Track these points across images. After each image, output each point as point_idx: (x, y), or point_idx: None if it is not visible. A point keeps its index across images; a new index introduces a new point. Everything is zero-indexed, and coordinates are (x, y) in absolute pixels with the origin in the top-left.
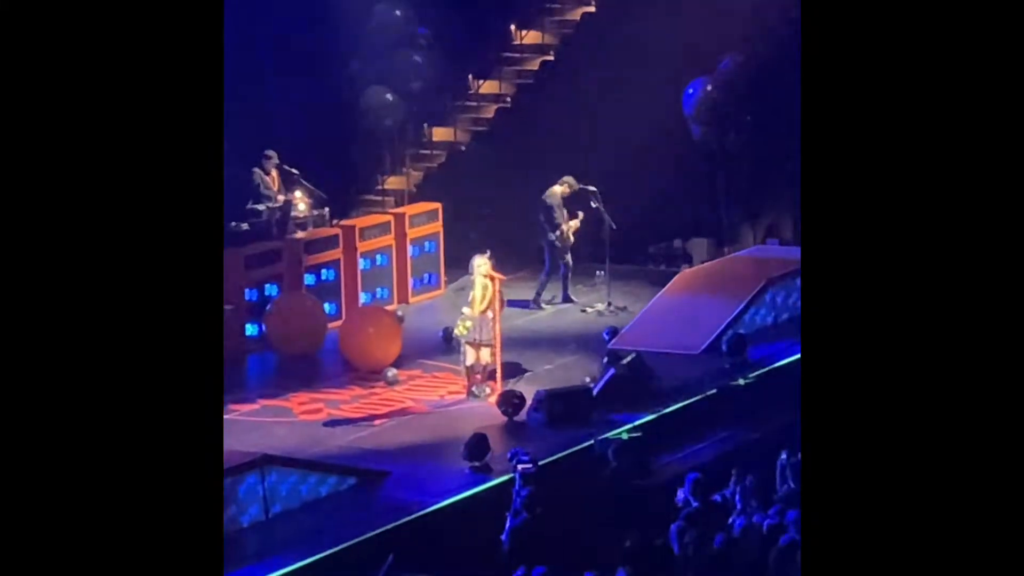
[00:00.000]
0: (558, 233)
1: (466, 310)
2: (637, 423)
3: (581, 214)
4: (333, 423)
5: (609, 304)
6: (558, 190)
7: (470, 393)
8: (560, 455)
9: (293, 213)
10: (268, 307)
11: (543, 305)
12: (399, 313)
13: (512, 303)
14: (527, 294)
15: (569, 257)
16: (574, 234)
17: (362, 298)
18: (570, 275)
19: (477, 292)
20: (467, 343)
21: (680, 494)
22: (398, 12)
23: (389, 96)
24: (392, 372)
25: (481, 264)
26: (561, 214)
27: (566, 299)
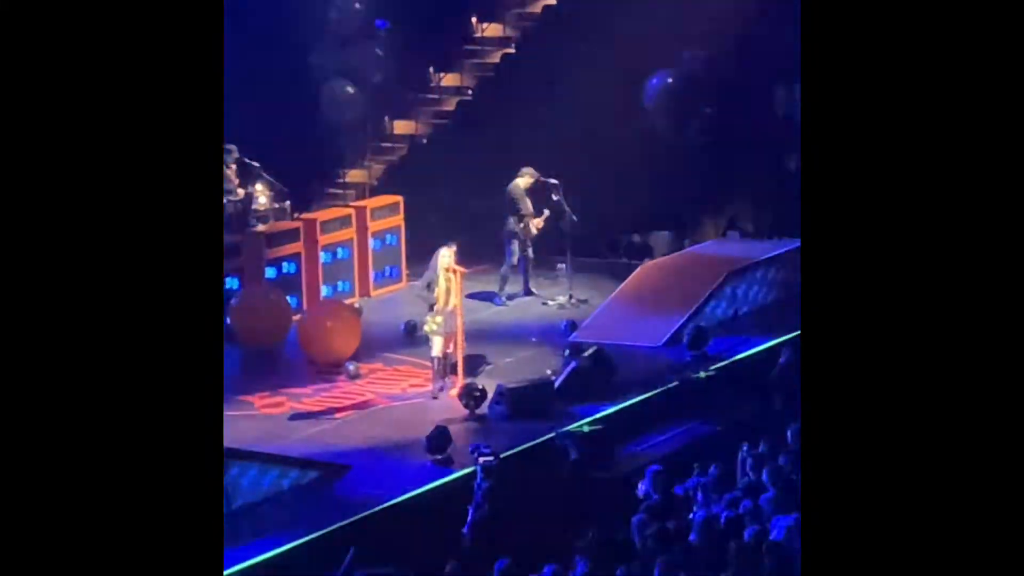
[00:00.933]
0: (522, 225)
1: (433, 304)
2: (598, 416)
3: (547, 212)
4: (295, 416)
5: (571, 297)
6: (521, 182)
7: (439, 387)
8: (521, 448)
9: (254, 206)
10: (233, 300)
11: (505, 300)
12: (358, 306)
13: (475, 296)
14: (489, 287)
15: (531, 251)
16: (537, 229)
17: (323, 291)
18: (531, 268)
19: (442, 285)
20: (435, 335)
21: (641, 487)
22: (357, 4)
23: (350, 89)
24: (353, 365)
25: (445, 256)
26: (525, 206)
27: (527, 292)
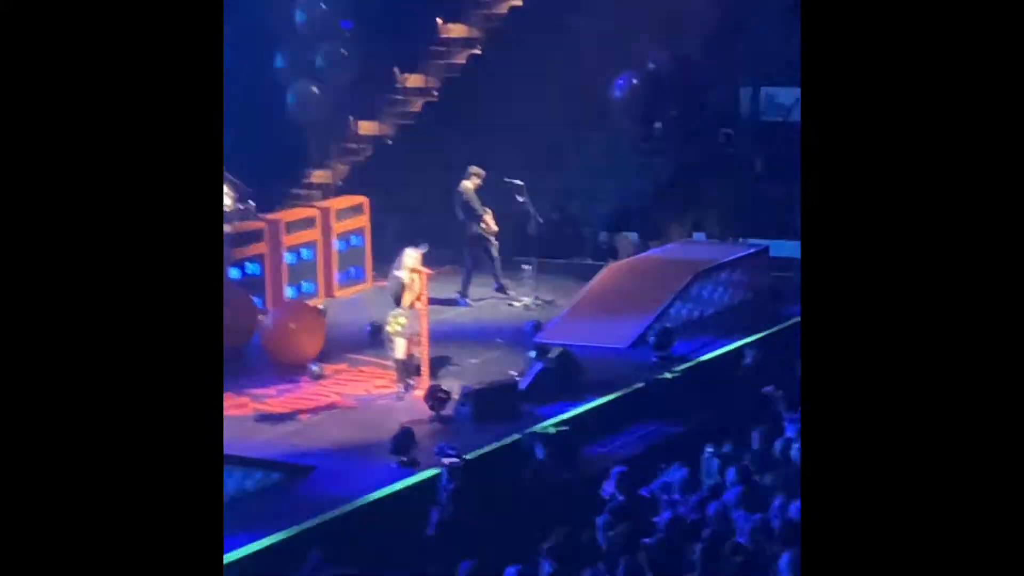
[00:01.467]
0: (483, 224)
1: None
2: (564, 417)
3: (489, 211)
4: (259, 418)
5: (536, 298)
6: (469, 184)
7: (403, 387)
8: (487, 449)
9: None
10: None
11: (469, 302)
12: (322, 307)
13: (437, 301)
14: (454, 289)
15: (495, 249)
16: (494, 228)
17: (287, 292)
18: (499, 265)
19: (407, 286)
20: (398, 336)
21: (606, 488)
22: (323, 5)
23: (315, 89)
24: (317, 366)
25: (410, 257)
26: (479, 206)
27: (499, 288)
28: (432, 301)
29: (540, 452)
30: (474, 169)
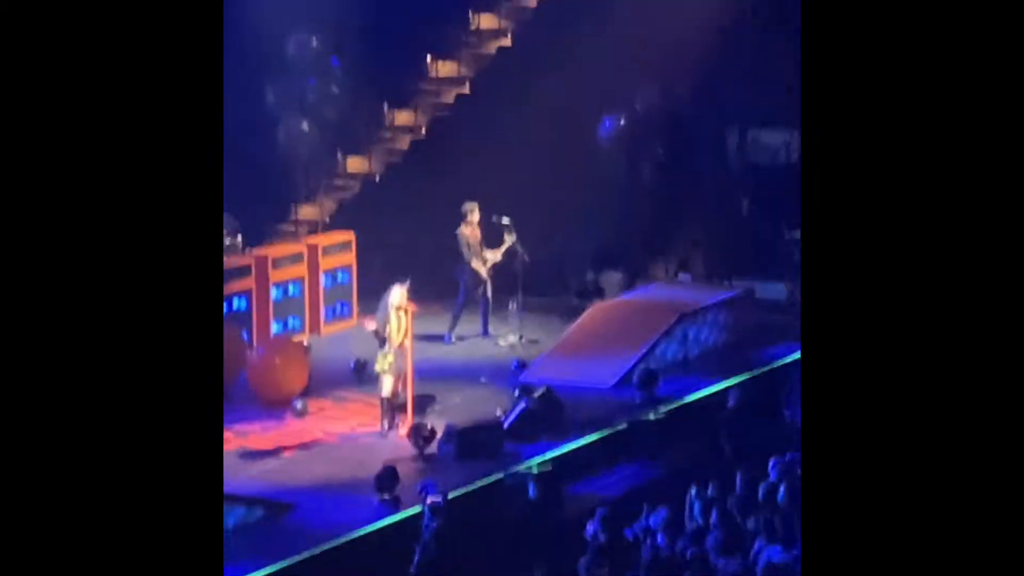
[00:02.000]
0: (480, 263)
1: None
2: (548, 456)
3: (505, 245)
4: (242, 454)
5: (521, 337)
6: (466, 230)
7: (385, 427)
8: (470, 488)
9: None
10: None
11: (454, 339)
12: (307, 343)
13: (425, 336)
14: (439, 326)
15: (488, 291)
16: (492, 267)
17: (274, 327)
18: (490, 309)
19: (393, 323)
20: (385, 374)
21: (589, 528)
22: (314, 42)
23: (305, 126)
24: (301, 403)
25: (396, 294)
26: (474, 250)
27: (485, 333)
28: (417, 338)
29: (523, 491)
30: (469, 204)
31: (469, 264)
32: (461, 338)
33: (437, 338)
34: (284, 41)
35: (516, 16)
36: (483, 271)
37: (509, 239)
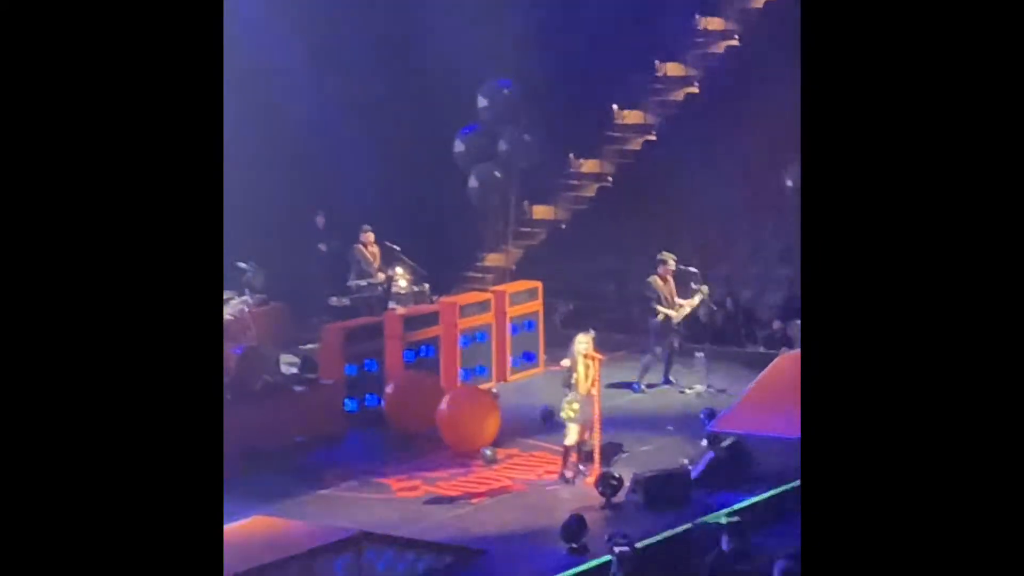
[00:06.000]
0: (659, 318)
1: (569, 393)
2: (736, 507)
3: (697, 298)
4: (431, 501)
5: (708, 386)
6: (656, 278)
7: (562, 476)
8: (658, 537)
9: (393, 289)
10: (389, 387)
11: (643, 388)
12: (495, 391)
13: (613, 384)
14: (624, 375)
15: (676, 340)
16: (683, 316)
17: (460, 375)
18: (674, 357)
19: (580, 371)
20: (571, 422)
21: None
22: (506, 91)
23: (498, 174)
24: (490, 450)
25: (582, 342)
26: (662, 298)
27: (667, 381)
28: (607, 386)
29: (712, 542)
30: (666, 254)
31: (660, 313)
32: (649, 386)
33: (624, 386)
34: (475, 89)
35: (702, 63)
36: (675, 320)
37: (700, 290)
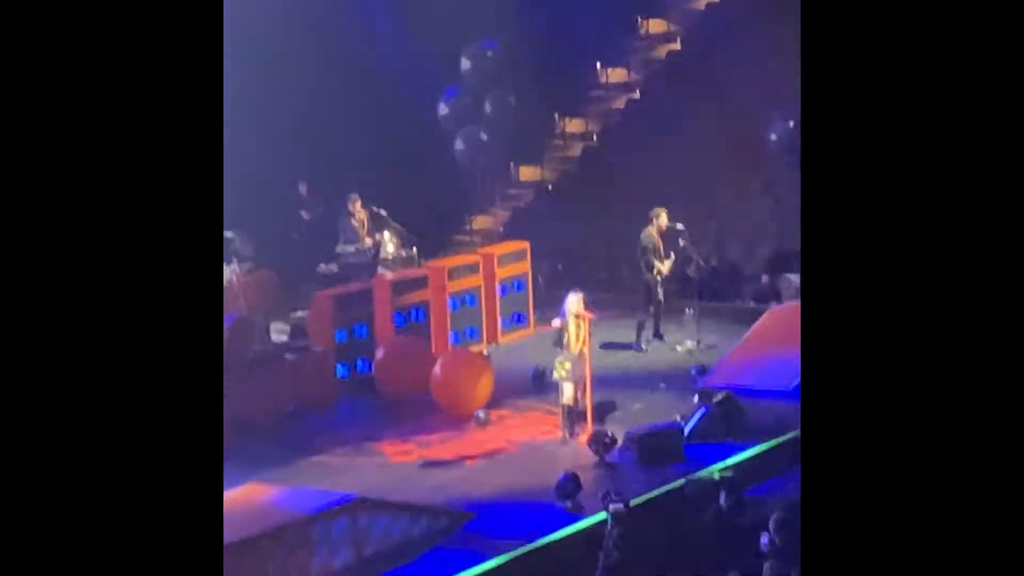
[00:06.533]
0: (652, 273)
1: (561, 352)
2: (729, 462)
3: (673, 255)
4: (425, 465)
5: (699, 342)
6: (652, 230)
7: (568, 433)
8: (652, 494)
9: (382, 254)
10: (379, 352)
11: (643, 346)
12: (487, 353)
13: (606, 344)
14: (616, 334)
15: (661, 294)
16: (668, 272)
17: (451, 338)
18: (661, 312)
19: (571, 331)
20: (565, 381)
21: (764, 538)
22: (490, 53)
23: (484, 136)
24: (483, 413)
25: (573, 302)
26: (657, 253)
27: (657, 335)
28: (604, 346)
29: (705, 497)
30: (657, 210)
31: (652, 268)
32: (648, 342)
33: (614, 345)
34: (459, 53)
35: (685, 20)
36: (664, 274)
37: (685, 245)
